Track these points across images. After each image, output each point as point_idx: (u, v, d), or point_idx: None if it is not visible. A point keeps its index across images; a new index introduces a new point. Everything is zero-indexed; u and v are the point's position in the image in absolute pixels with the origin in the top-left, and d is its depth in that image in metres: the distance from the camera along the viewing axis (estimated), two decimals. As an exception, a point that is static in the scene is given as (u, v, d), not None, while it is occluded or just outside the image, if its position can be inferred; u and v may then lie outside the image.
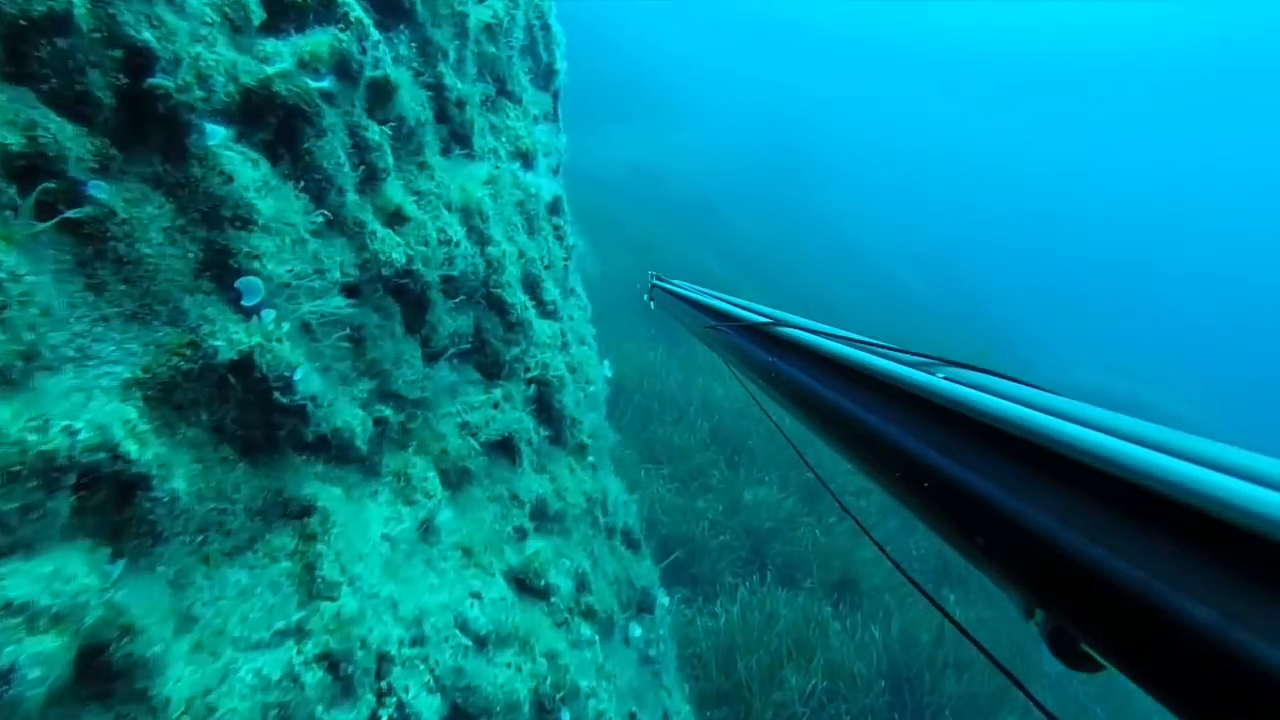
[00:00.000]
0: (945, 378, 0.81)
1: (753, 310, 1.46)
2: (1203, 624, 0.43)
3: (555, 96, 4.66)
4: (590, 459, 3.97)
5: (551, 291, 3.87)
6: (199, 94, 1.71)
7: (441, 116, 3.09)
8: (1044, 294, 38.04)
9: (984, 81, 55.85)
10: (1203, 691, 0.44)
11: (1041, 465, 0.61)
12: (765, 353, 1.25)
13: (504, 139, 3.68)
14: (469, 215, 3.03)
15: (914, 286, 27.47)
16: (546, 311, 3.83)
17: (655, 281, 2.40)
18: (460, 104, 3.15)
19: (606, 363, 4.88)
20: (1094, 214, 51.78)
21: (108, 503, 1.51)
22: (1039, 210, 50.16)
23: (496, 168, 3.42)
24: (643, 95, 34.51)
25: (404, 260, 2.53)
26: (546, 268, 3.93)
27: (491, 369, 3.32)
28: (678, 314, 2.07)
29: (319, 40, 2.08)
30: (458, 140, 3.23)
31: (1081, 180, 55.13)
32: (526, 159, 3.83)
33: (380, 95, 2.45)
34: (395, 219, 2.58)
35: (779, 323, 1.26)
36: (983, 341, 18.49)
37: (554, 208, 4.30)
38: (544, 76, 4.48)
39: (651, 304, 2.49)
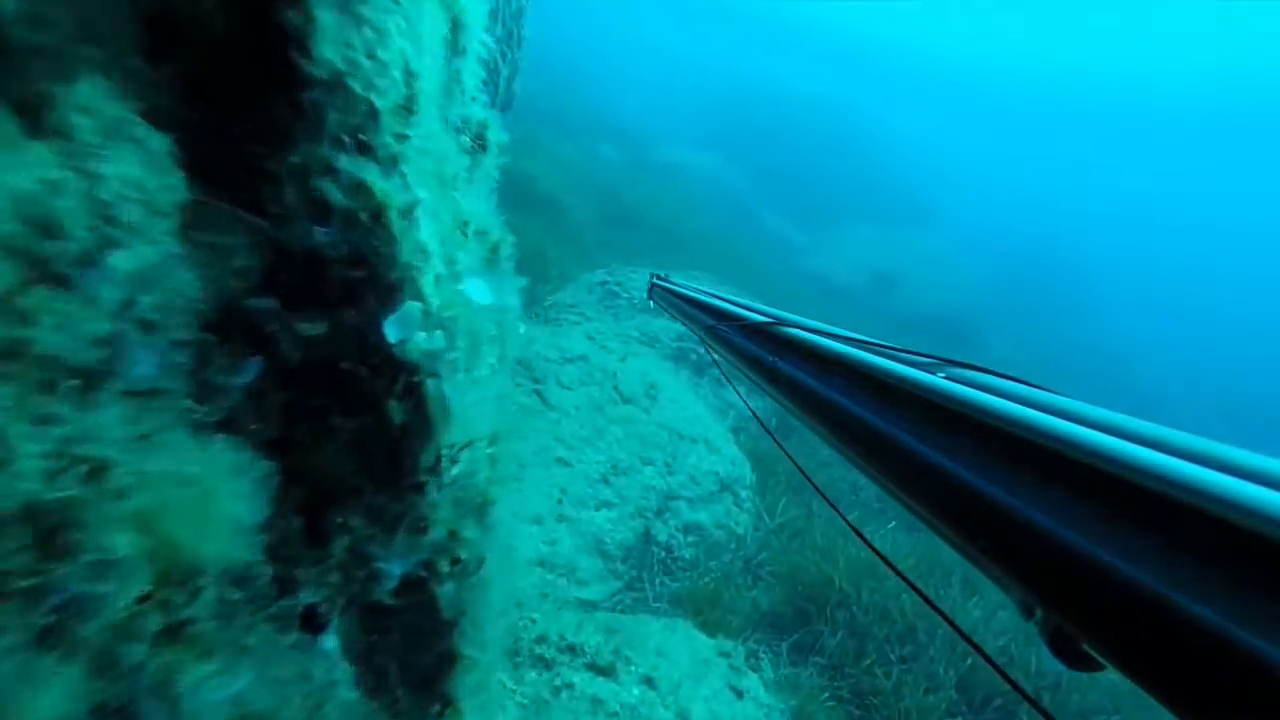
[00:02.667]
0: (946, 377, 0.81)
1: (754, 310, 1.46)
2: (1203, 624, 0.43)
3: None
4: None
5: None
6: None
7: None
8: None
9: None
10: (1203, 691, 0.44)
11: (1041, 464, 0.61)
12: (766, 352, 1.24)
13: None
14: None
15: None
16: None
17: (656, 281, 2.43)
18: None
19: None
20: None
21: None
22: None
23: None
24: (888, 189, 31.84)
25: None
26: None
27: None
28: (678, 315, 2.07)
29: None
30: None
31: None
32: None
33: None
34: None
35: (781, 322, 1.25)
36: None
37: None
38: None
39: (651, 303, 2.49)
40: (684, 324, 2.07)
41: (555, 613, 4.51)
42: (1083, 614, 0.53)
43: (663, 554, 6.29)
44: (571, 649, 4.09)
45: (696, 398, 8.74)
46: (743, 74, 35.28)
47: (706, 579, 6.40)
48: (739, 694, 4.55)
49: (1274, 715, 0.38)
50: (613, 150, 20.99)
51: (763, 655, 5.62)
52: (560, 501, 5.75)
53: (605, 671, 4.03)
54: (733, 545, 7.02)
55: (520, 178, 12.04)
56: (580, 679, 3.92)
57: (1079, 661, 0.55)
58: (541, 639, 4.15)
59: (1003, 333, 26.39)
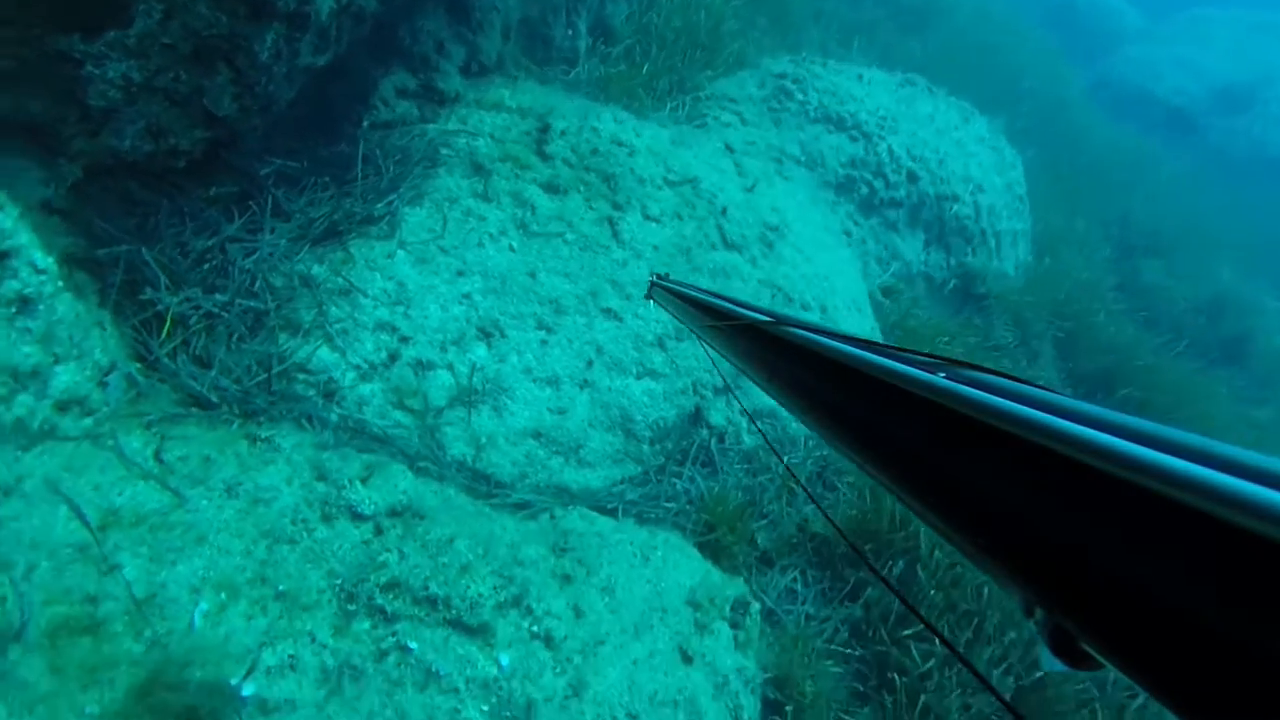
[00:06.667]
0: (946, 376, 0.78)
1: (755, 309, 1.44)
2: (1203, 623, 0.42)
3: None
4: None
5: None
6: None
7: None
8: None
9: None
10: (1203, 691, 0.42)
11: (1040, 462, 0.58)
12: (765, 349, 1.24)
13: None
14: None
15: None
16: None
17: (655, 280, 2.51)
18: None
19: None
20: None
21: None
22: None
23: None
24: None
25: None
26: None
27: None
28: (677, 315, 2.13)
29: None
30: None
31: None
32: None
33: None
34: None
35: (782, 321, 1.22)
36: None
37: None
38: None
39: (651, 302, 2.61)
40: (683, 323, 2.11)
41: (488, 514, 3.89)
42: (1081, 613, 0.52)
43: (711, 440, 5.37)
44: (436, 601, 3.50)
45: (840, 244, 7.09)
46: None
47: (757, 479, 5.47)
48: (688, 659, 3.84)
49: (1275, 715, 0.37)
50: None
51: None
52: (591, 363, 4.90)
53: (509, 606, 3.44)
54: (811, 443, 5.91)
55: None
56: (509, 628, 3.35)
57: (1079, 660, 0.54)
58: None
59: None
